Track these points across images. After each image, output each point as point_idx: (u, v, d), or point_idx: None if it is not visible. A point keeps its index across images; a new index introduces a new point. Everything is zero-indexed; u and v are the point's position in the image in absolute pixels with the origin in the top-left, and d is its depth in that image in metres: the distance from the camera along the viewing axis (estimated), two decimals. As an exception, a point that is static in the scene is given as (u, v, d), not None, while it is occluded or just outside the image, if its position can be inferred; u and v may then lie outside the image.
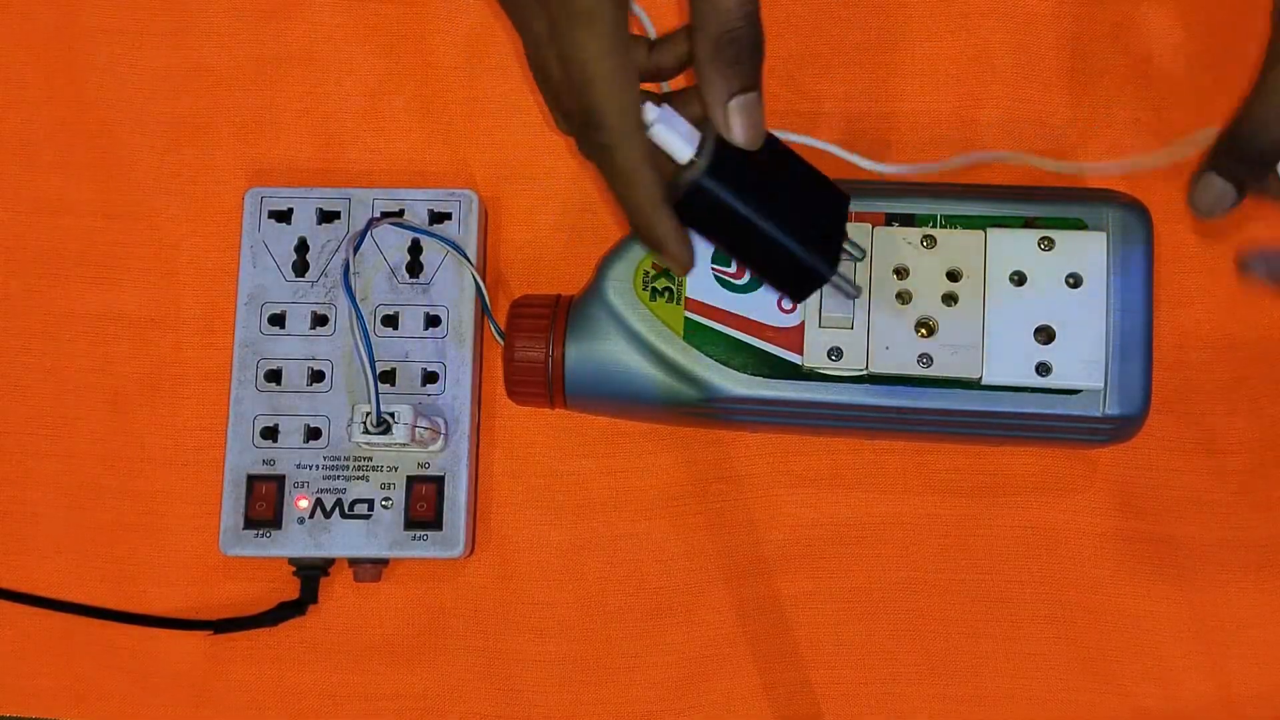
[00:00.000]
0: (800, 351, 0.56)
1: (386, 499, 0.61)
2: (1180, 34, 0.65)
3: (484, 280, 0.62)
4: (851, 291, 0.53)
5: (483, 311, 0.62)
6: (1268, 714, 0.61)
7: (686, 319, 0.57)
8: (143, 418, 0.65)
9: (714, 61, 0.47)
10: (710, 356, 0.57)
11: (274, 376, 0.62)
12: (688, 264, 0.50)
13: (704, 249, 0.57)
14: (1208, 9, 0.65)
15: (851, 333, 0.56)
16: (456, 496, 0.61)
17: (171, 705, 0.63)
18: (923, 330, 0.56)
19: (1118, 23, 0.65)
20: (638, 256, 0.58)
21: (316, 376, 0.62)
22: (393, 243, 0.62)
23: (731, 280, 0.57)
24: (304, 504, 0.61)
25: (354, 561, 0.61)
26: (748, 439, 0.63)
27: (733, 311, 0.57)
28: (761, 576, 0.62)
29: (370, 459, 0.61)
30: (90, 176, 0.66)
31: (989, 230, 0.56)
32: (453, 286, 0.62)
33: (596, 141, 0.48)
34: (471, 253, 0.62)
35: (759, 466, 0.63)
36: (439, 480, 0.61)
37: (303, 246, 0.63)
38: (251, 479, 0.61)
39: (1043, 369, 0.55)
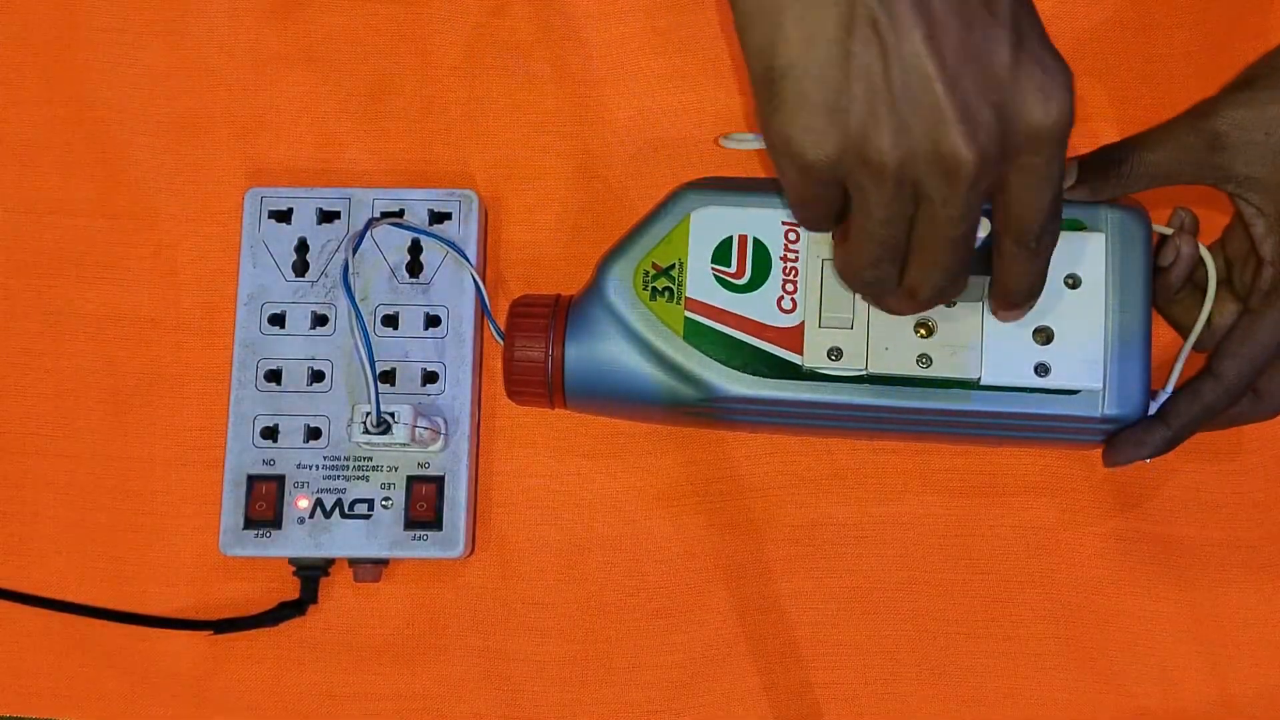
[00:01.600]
0: (800, 351, 0.56)
1: (386, 499, 0.61)
2: (1180, 34, 0.65)
3: (484, 280, 0.62)
4: None
5: (483, 311, 0.62)
6: (1268, 714, 0.61)
7: (686, 319, 0.57)
8: (143, 418, 0.64)
9: None
10: (710, 356, 0.57)
11: (274, 376, 0.62)
12: None
13: (706, 251, 0.57)
14: (1208, 9, 0.65)
15: (851, 333, 0.56)
16: (456, 496, 0.61)
17: (171, 705, 0.63)
18: (922, 331, 0.56)
19: (1118, 22, 0.65)
20: (638, 256, 0.58)
21: (316, 376, 0.62)
22: (393, 243, 0.62)
23: (731, 280, 0.57)
24: (304, 504, 0.61)
25: (354, 561, 0.61)
26: (748, 439, 0.63)
27: (733, 311, 0.57)
28: (761, 576, 0.62)
29: (370, 459, 0.61)
30: (90, 176, 0.66)
31: (988, 230, 0.56)
32: (453, 286, 0.62)
33: (1052, 157, 0.45)
34: (471, 253, 0.62)
35: (759, 466, 0.63)
36: (439, 480, 0.61)
37: (303, 246, 0.63)
38: (251, 479, 0.61)
39: (1041, 369, 0.55)
